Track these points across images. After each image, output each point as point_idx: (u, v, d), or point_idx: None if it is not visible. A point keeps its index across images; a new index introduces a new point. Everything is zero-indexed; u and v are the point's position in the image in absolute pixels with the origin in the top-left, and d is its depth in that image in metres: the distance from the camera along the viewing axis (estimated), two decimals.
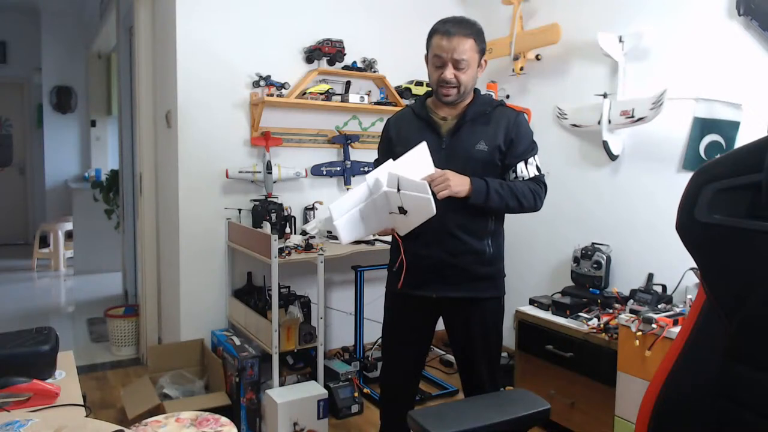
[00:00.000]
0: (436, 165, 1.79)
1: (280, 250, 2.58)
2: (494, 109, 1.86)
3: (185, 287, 2.96)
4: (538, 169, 1.86)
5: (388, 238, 1.96)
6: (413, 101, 2.32)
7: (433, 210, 1.60)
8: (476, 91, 1.90)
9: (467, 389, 2.01)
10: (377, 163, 2.05)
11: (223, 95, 2.97)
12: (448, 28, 1.77)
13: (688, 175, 1.07)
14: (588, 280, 2.74)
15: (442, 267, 1.83)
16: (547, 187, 1.89)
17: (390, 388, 2.08)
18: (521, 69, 3.13)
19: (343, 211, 1.67)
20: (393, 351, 2.05)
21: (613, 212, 2.82)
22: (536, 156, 1.87)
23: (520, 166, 1.83)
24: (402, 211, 1.66)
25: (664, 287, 2.45)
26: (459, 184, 1.71)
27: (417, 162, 1.72)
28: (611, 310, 2.51)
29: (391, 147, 1.93)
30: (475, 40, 1.78)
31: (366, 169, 3.31)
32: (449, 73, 1.77)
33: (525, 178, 1.83)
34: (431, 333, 2.02)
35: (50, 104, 6.43)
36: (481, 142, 1.80)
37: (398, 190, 1.63)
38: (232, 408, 2.55)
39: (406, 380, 2.05)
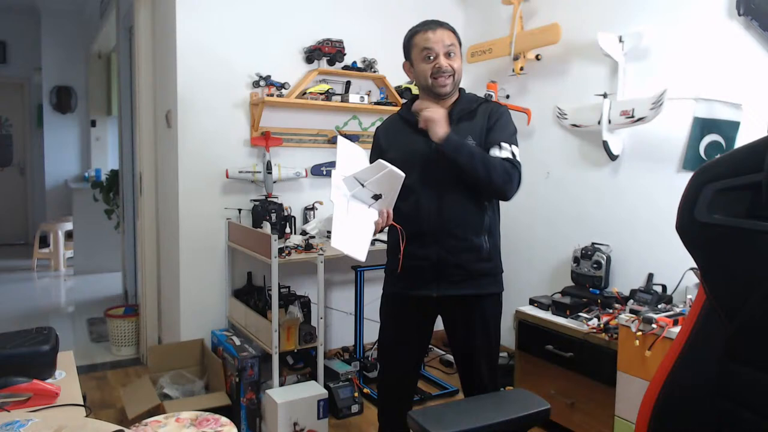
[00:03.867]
0: (427, 166, 1.82)
1: (280, 250, 2.58)
2: (479, 105, 1.88)
3: (185, 287, 2.96)
4: (513, 154, 1.80)
5: (387, 237, 1.96)
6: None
7: (401, 174, 1.62)
8: (461, 90, 1.92)
9: (467, 389, 2.01)
10: None
11: (223, 95, 2.97)
12: (428, 25, 1.84)
13: (688, 175, 1.07)
14: (588, 280, 2.74)
15: (442, 266, 1.83)
16: (521, 176, 1.80)
17: (388, 388, 2.08)
18: (521, 69, 3.13)
19: (343, 237, 1.67)
20: (391, 351, 2.04)
21: (613, 212, 2.82)
22: (513, 146, 1.82)
23: (494, 150, 1.79)
24: (377, 197, 1.69)
25: (664, 287, 2.45)
26: (439, 123, 1.73)
27: (350, 156, 1.79)
28: (611, 310, 2.51)
29: (381, 154, 1.92)
30: (454, 33, 1.85)
31: None
32: (444, 61, 1.80)
33: (499, 157, 1.80)
34: (430, 333, 2.02)
35: (50, 104, 6.43)
36: (469, 137, 1.81)
37: (362, 185, 1.66)
38: (232, 408, 2.55)
39: (405, 381, 2.04)
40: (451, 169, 1.79)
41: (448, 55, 1.81)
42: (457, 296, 1.87)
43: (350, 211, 1.69)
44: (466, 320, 1.91)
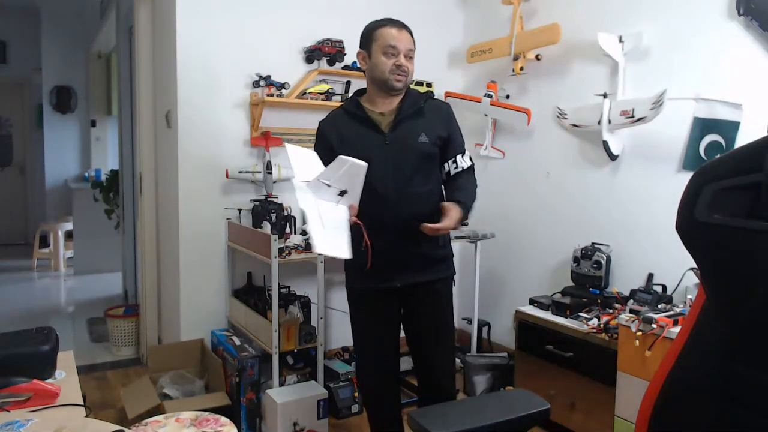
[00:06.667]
0: (381, 161, 1.86)
1: (280, 250, 2.58)
2: (425, 102, 1.97)
3: (185, 287, 2.96)
4: (470, 157, 2.02)
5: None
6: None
7: (362, 164, 1.68)
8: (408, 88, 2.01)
9: (423, 377, 2.06)
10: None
11: (223, 95, 2.97)
12: (394, 23, 1.94)
13: (688, 175, 1.07)
14: (588, 280, 2.74)
15: (405, 256, 1.91)
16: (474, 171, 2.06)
17: (371, 388, 2.13)
18: (521, 69, 3.13)
19: (324, 241, 1.72)
20: (369, 349, 2.07)
21: (613, 212, 2.82)
22: (464, 145, 2.03)
23: (459, 157, 1.97)
24: (342, 193, 1.74)
25: (664, 287, 2.45)
26: (457, 219, 1.84)
27: (303, 159, 1.86)
28: (611, 310, 2.51)
29: (332, 154, 1.91)
30: (413, 39, 1.96)
31: None
32: (404, 59, 1.90)
33: (464, 167, 1.97)
34: (399, 326, 2.07)
35: (50, 104, 6.43)
36: (422, 134, 1.90)
37: (328, 185, 1.72)
38: (232, 408, 2.55)
39: (388, 378, 2.08)
40: (405, 162, 1.87)
41: (408, 55, 1.91)
42: (418, 283, 1.94)
43: (322, 213, 1.74)
44: (420, 302, 1.98)
